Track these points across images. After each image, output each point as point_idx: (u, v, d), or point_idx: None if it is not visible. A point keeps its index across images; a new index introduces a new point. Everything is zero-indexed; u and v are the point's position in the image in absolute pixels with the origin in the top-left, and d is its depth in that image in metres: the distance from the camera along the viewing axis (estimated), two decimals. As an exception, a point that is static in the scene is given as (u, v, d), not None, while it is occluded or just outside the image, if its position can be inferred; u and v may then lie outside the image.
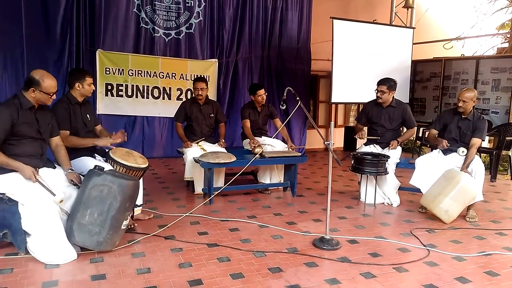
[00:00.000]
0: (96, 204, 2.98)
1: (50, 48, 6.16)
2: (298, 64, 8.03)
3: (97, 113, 6.50)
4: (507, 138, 6.32)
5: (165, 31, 6.96)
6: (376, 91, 4.79)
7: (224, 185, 4.69)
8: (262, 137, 5.37)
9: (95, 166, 3.14)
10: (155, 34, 6.88)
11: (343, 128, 9.23)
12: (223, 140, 5.14)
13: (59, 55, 6.23)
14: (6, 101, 3.03)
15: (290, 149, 5.13)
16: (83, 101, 3.68)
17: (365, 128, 5.02)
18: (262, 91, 5.20)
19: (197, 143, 4.96)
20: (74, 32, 6.27)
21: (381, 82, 4.76)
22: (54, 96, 3.11)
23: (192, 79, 7.15)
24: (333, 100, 7.45)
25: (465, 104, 4.28)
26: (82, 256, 3.04)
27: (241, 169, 4.48)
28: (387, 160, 4.49)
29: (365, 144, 4.99)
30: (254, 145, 4.86)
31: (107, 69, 6.60)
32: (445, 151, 4.49)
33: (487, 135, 4.50)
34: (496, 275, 3.00)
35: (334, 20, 7.05)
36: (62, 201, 3.02)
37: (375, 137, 4.84)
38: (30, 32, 5.97)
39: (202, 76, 6.78)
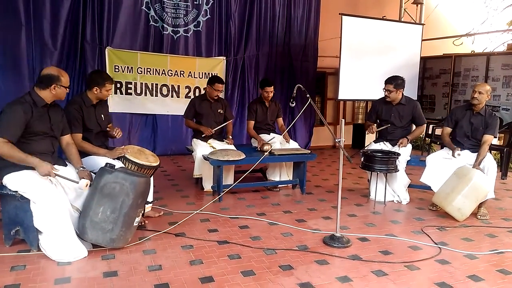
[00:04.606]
0: (108, 201, 2.99)
1: (58, 45, 6.17)
2: (304, 62, 8.01)
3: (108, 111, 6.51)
4: (518, 135, 6.26)
5: (174, 29, 6.96)
6: (384, 90, 4.76)
7: (233, 182, 4.69)
8: (271, 134, 5.36)
9: (106, 163, 3.15)
10: (164, 32, 6.88)
11: (352, 126, 9.19)
12: (231, 137, 5.15)
13: (68, 53, 6.24)
14: (20, 99, 3.04)
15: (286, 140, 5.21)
16: (98, 102, 3.70)
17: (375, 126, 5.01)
18: (270, 88, 5.21)
19: (212, 133, 4.96)
20: (82, 29, 6.27)
21: (388, 81, 4.73)
22: (68, 90, 3.18)
23: (200, 77, 7.20)
24: (340, 97, 7.41)
25: (480, 95, 4.26)
26: (94, 253, 3.06)
27: (250, 166, 4.48)
28: (397, 158, 4.46)
29: (375, 142, 4.97)
30: (260, 145, 4.90)
31: (116, 67, 6.61)
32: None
33: (498, 132, 4.47)
34: (509, 273, 2.97)
35: (343, 17, 7.01)
36: (87, 185, 3.03)
37: (385, 126, 4.81)
38: (37, 28, 5.99)
39: (216, 74, 6.79)
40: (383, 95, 4.83)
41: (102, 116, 3.75)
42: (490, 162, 4.19)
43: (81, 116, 3.53)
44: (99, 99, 3.68)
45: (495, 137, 4.35)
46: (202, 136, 4.95)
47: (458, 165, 4.20)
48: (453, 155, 4.36)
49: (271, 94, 5.26)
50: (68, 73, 6.12)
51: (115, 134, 3.83)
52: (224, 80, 5.05)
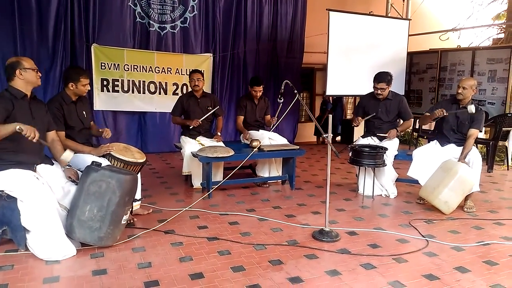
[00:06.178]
0: (95, 199, 2.97)
1: (44, 43, 6.09)
2: (291, 58, 8.03)
3: (94, 109, 6.46)
4: (503, 128, 6.35)
5: (160, 25, 6.91)
6: (375, 88, 4.76)
7: (223, 179, 4.69)
8: (260, 130, 5.37)
9: (93, 162, 3.12)
10: (150, 29, 6.84)
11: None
12: (219, 134, 5.14)
13: (54, 50, 6.16)
14: None
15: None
16: (78, 98, 3.66)
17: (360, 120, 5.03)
18: (259, 88, 5.22)
19: (199, 123, 4.94)
20: (69, 26, 6.20)
21: (380, 80, 4.72)
22: (39, 74, 3.10)
23: (187, 73, 7.13)
24: (328, 93, 7.45)
25: (464, 91, 4.29)
26: (83, 251, 3.03)
27: (239, 163, 4.48)
28: (385, 152, 4.50)
29: (363, 137, 5.00)
30: (246, 138, 4.89)
31: (103, 64, 6.55)
32: (442, 142, 4.51)
33: (483, 126, 4.51)
34: (495, 264, 3.02)
35: (330, 12, 7.03)
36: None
37: (371, 115, 4.80)
38: (23, 26, 5.90)
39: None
40: (370, 91, 4.85)
41: (84, 112, 3.72)
42: (475, 155, 4.24)
43: (62, 114, 3.50)
44: (77, 95, 3.64)
45: (480, 131, 4.40)
46: (190, 128, 4.92)
47: (444, 159, 4.25)
48: (440, 113, 4.29)
49: (259, 93, 5.27)
50: (53, 71, 6.14)
51: (105, 135, 3.82)
52: (199, 70, 5.11)
